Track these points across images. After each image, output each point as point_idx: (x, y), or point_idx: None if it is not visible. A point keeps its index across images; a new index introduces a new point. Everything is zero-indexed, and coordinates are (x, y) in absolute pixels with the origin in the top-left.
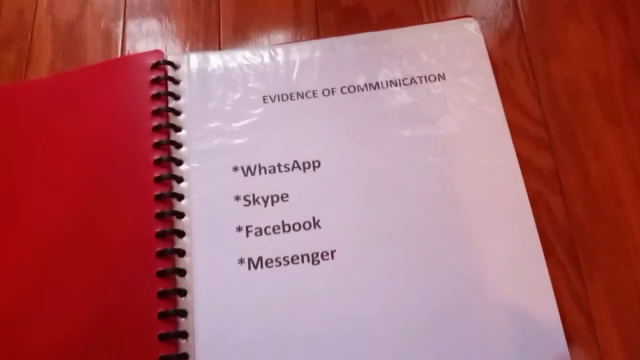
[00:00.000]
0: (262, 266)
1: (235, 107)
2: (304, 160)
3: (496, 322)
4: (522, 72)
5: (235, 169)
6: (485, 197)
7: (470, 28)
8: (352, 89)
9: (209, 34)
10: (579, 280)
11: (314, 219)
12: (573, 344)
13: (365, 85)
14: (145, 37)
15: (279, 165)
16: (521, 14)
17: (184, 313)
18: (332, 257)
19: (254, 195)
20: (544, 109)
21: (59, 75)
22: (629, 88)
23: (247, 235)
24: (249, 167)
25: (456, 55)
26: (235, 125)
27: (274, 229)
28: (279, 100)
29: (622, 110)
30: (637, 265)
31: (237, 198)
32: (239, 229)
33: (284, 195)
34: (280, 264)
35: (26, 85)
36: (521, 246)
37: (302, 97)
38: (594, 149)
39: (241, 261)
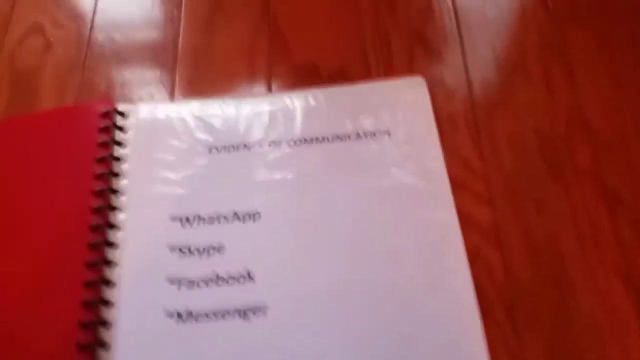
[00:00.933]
0: (191, 320)
1: (180, 157)
2: (244, 212)
3: None
4: (466, 128)
5: (174, 219)
6: (423, 252)
7: (417, 86)
8: (298, 142)
9: (163, 85)
10: (517, 341)
11: (248, 272)
12: None
13: (312, 138)
14: (99, 86)
15: (217, 216)
16: (469, 71)
17: None
18: (264, 312)
19: (189, 246)
20: (486, 163)
21: (9, 120)
22: (573, 144)
23: (179, 288)
24: (187, 218)
25: (402, 112)
26: (178, 175)
27: (206, 282)
28: (225, 151)
29: (566, 166)
30: (579, 326)
31: (172, 249)
32: (172, 281)
33: (220, 247)
34: (210, 318)
35: None
36: (457, 304)
37: (249, 149)
38: (536, 205)
39: (170, 315)
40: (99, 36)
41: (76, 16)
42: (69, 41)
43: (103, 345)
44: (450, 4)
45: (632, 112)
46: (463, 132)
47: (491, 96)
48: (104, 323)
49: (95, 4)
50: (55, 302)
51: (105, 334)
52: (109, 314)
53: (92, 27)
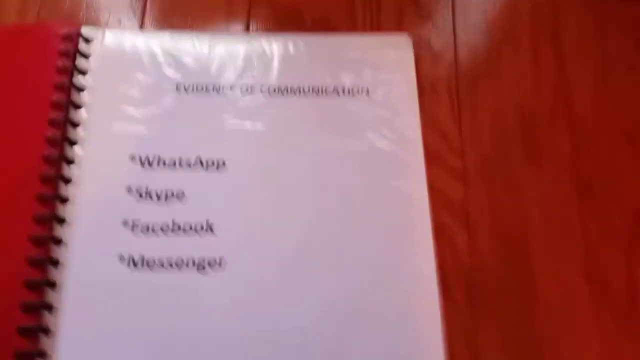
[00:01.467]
0: (143, 266)
1: (145, 93)
2: (208, 158)
3: (378, 351)
4: (448, 99)
5: (133, 158)
6: (389, 222)
7: (403, 45)
8: (272, 91)
9: (133, 12)
10: (473, 324)
11: (207, 222)
12: None
13: (288, 88)
14: (63, 5)
15: (180, 160)
16: (457, 37)
17: (49, 307)
18: (221, 266)
19: (147, 188)
20: (464, 138)
21: None
22: (555, 128)
23: (133, 231)
24: (147, 158)
25: (384, 71)
26: (141, 112)
27: (162, 228)
28: (194, 91)
29: (544, 150)
30: (538, 316)
31: (130, 190)
32: (125, 223)
33: (180, 194)
34: (163, 266)
35: None
36: (417, 279)
37: (219, 92)
38: (509, 187)
39: (122, 259)
40: None
41: None
42: None
43: (51, 284)
44: None
45: (617, 105)
46: (444, 101)
47: (477, 66)
48: (54, 262)
49: None
50: (3, 236)
51: (54, 273)
52: (59, 253)
53: None
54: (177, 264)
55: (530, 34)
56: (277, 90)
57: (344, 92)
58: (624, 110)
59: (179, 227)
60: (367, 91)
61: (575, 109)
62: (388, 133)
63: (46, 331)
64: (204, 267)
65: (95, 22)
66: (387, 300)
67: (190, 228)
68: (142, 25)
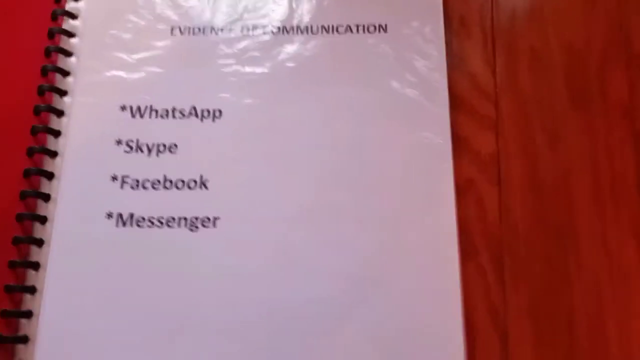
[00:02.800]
0: (132, 224)
1: (138, 36)
2: (204, 108)
3: (389, 322)
4: (480, 34)
5: (123, 108)
6: (404, 177)
7: None
8: (275, 30)
9: None
10: (499, 291)
11: (201, 177)
12: None
13: (292, 27)
14: None
15: (173, 110)
16: None
17: (36, 266)
18: (214, 225)
19: (138, 141)
20: (498, 81)
21: None
22: (608, 69)
23: (122, 187)
24: (138, 108)
25: (403, 2)
26: (133, 57)
27: (153, 184)
28: (189, 33)
29: (594, 95)
30: (576, 286)
31: (119, 142)
32: (114, 178)
33: (172, 146)
34: (153, 224)
35: None
36: (434, 242)
37: (217, 34)
38: (550, 137)
39: (109, 215)
40: None
41: None
42: None
43: (38, 242)
44: None
45: None
46: (476, 39)
47: None
48: (41, 218)
49: None
50: None
51: (40, 231)
52: (46, 209)
53: None
54: (167, 222)
55: None
56: (281, 29)
57: (358, 29)
58: None
59: (171, 183)
60: (385, 28)
61: (633, 47)
62: (409, 76)
63: (31, 290)
64: (196, 226)
65: None
66: (401, 266)
67: (183, 184)
68: None
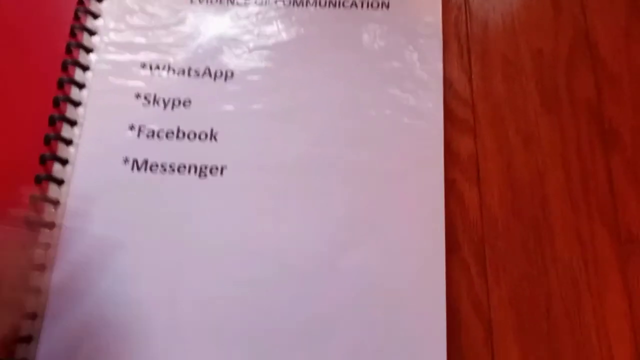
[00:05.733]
0: (146, 169)
1: (159, 2)
2: (217, 69)
3: (375, 311)
4: (456, 44)
5: (144, 65)
6: (394, 137)
7: None
8: (287, 2)
9: None
10: (482, 284)
11: (212, 130)
12: (465, 356)
13: (303, 1)
14: None
15: (189, 69)
16: None
17: (56, 202)
18: (221, 173)
19: (155, 95)
20: (474, 88)
21: None
22: (575, 73)
23: (139, 136)
24: (157, 66)
25: None
26: (152, 22)
27: (167, 134)
28: (208, 2)
29: (564, 97)
30: (553, 275)
31: (138, 96)
32: (132, 127)
33: (187, 101)
34: (165, 170)
35: None
36: (423, 235)
37: (232, 2)
38: (524, 138)
39: (126, 160)
40: None
41: None
42: None
43: (58, 181)
44: None
45: None
46: (452, 49)
47: (489, 10)
48: (62, 160)
49: None
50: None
51: (61, 171)
52: (67, 152)
53: None
54: (177, 168)
55: None
56: (292, 1)
57: (362, 5)
58: None
59: (184, 134)
60: (388, 4)
61: (598, 50)
62: (410, 60)
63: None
64: (203, 172)
65: None
66: (391, 250)
67: (195, 135)
68: None
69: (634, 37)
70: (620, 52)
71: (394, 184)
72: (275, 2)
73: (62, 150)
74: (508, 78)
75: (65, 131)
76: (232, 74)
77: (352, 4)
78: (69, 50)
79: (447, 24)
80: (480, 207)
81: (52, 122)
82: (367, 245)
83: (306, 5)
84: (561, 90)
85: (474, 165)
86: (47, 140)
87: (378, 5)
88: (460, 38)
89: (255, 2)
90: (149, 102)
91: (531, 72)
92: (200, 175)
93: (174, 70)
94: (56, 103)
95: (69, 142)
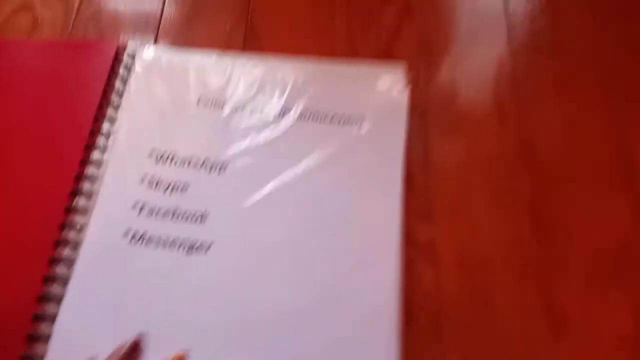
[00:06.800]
0: (141, 243)
1: (170, 101)
2: (214, 161)
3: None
4: (418, 149)
5: (151, 154)
6: (357, 243)
7: (397, 75)
8: (276, 113)
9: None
10: (437, 348)
11: (203, 213)
12: None
13: (286, 113)
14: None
15: (190, 160)
16: (427, 91)
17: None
18: (209, 248)
19: (159, 179)
20: (432, 184)
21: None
22: (517, 174)
23: (140, 214)
24: (162, 155)
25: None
26: (165, 116)
27: (164, 214)
28: (211, 106)
29: (508, 194)
30: (498, 347)
31: (143, 179)
32: (135, 206)
33: (185, 187)
34: (157, 245)
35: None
36: (377, 311)
37: (233, 110)
38: (473, 229)
39: (126, 234)
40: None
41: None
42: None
43: (73, 244)
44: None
45: (578, 154)
46: (416, 148)
47: (447, 117)
48: (76, 227)
49: None
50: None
51: (75, 235)
52: (82, 220)
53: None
54: (169, 244)
55: (496, 88)
56: (281, 113)
57: (340, 121)
58: (584, 159)
59: (179, 214)
60: (361, 121)
61: (536, 155)
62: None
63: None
64: (191, 249)
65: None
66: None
67: (188, 215)
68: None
69: (567, 147)
70: (554, 158)
71: (359, 265)
72: (268, 112)
73: (78, 219)
74: (461, 178)
75: (82, 202)
76: (226, 167)
77: (331, 119)
78: (91, 135)
79: (411, 127)
80: (435, 284)
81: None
82: (333, 314)
83: (295, 118)
84: (506, 189)
85: (432, 249)
86: (67, 210)
87: (354, 120)
88: (421, 143)
89: (251, 110)
90: (151, 184)
91: (480, 174)
92: (187, 252)
93: (177, 160)
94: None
95: (84, 212)
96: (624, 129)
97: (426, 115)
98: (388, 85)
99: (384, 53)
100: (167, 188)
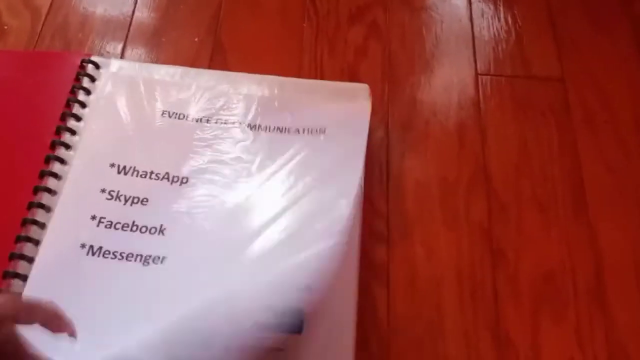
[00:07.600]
0: (99, 255)
1: (134, 113)
2: (175, 175)
3: None
4: (378, 169)
5: (113, 165)
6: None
7: (361, 94)
8: (239, 125)
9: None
10: None
11: (161, 226)
12: None
13: (249, 125)
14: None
15: (151, 173)
16: (389, 112)
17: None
18: (163, 262)
19: (119, 192)
20: (390, 205)
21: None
22: (472, 198)
23: (98, 226)
24: (124, 167)
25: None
26: (128, 129)
27: (123, 227)
28: (175, 117)
29: (462, 217)
30: None
31: (104, 191)
32: (94, 218)
33: (145, 200)
34: (115, 257)
35: None
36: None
37: (196, 121)
38: (427, 251)
39: (83, 245)
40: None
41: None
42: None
43: (28, 259)
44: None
45: (530, 179)
46: (376, 172)
47: (407, 140)
48: (34, 240)
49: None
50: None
51: (31, 250)
52: (39, 233)
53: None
54: (126, 256)
55: (457, 116)
56: (245, 124)
57: (303, 131)
58: (536, 185)
59: (136, 226)
60: (324, 131)
61: (492, 180)
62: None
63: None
64: (147, 260)
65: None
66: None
67: (145, 228)
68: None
69: (522, 173)
70: (509, 184)
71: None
72: (232, 125)
73: (35, 231)
74: (417, 199)
75: (40, 216)
76: (187, 180)
77: (295, 131)
78: (52, 146)
79: (372, 152)
80: (388, 307)
81: (31, 207)
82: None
83: (259, 130)
84: (460, 212)
85: (385, 271)
86: (24, 222)
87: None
88: (382, 164)
89: (215, 123)
90: (111, 197)
91: (437, 195)
92: (144, 263)
93: (137, 172)
94: (35, 190)
95: (42, 225)
96: (576, 155)
97: (387, 135)
98: (351, 103)
99: (350, 72)
100: (127, 200)
